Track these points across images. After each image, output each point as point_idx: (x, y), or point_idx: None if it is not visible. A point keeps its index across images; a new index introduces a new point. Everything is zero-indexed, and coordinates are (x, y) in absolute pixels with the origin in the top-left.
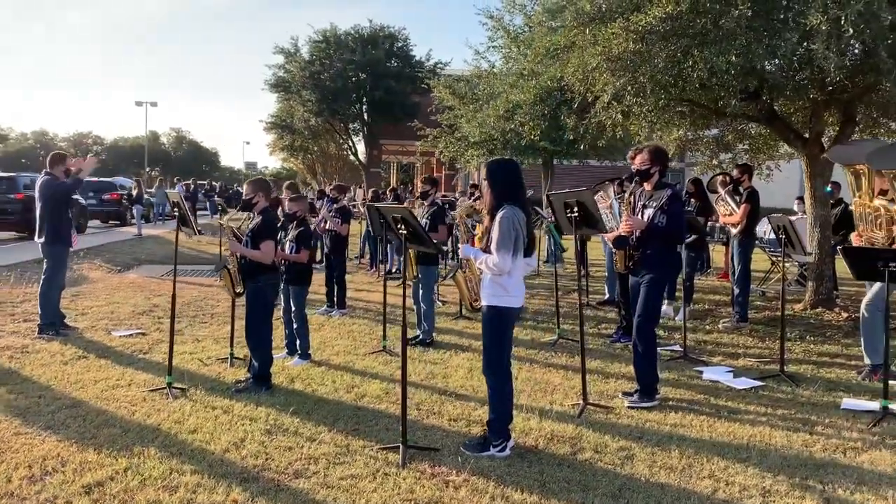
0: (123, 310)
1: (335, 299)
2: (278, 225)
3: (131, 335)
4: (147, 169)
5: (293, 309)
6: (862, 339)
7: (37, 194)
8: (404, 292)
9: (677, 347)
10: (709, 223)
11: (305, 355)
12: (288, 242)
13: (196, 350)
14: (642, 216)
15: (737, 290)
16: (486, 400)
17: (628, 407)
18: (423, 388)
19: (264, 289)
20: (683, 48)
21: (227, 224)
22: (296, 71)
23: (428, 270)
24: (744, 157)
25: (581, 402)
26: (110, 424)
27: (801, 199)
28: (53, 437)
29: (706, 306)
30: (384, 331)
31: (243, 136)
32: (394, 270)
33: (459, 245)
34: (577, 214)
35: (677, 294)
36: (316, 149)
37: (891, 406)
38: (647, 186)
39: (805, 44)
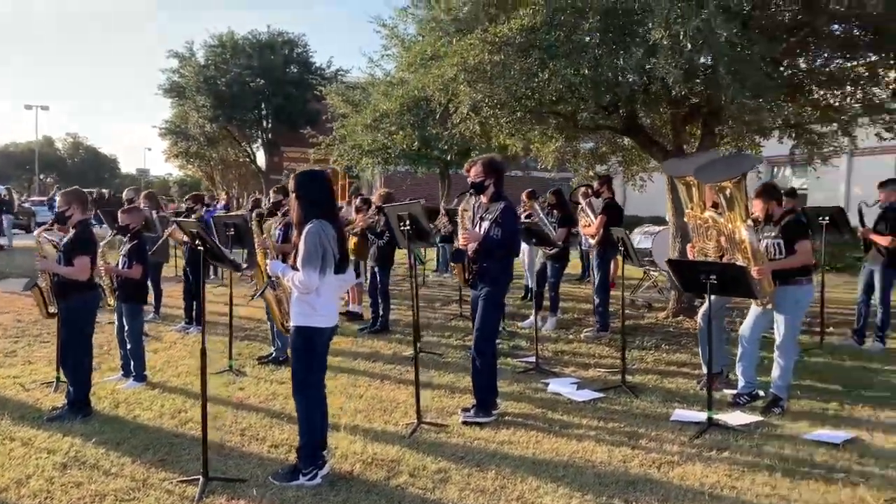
0: None
1: (193, 315)
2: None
3: None
4: (42, 176)
5: (126, 328)
6: (700, 349)
7: None
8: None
9: (533, 358)
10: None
11: (140, 377)
12: (120, 257)
13: (23, 373)
14: (479, 229)
15: (597, 300)
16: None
17: (462, 423)
18: (256, 411)
19: (80, 309)
20: (539, 61)
21: (38, 237)
22: (190, 76)
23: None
24: (618, 169)
25: (415, 420)
26: None
27: None
28: None
29: (575, 315)
30: (230, 349)
31: (146, 143)
32: None
33: (268, 261)
34: (409, 228)
35: (545, 304)
36: (215, 155)
37: (716, 416)
38: (483, 199)
39: (650, 58)
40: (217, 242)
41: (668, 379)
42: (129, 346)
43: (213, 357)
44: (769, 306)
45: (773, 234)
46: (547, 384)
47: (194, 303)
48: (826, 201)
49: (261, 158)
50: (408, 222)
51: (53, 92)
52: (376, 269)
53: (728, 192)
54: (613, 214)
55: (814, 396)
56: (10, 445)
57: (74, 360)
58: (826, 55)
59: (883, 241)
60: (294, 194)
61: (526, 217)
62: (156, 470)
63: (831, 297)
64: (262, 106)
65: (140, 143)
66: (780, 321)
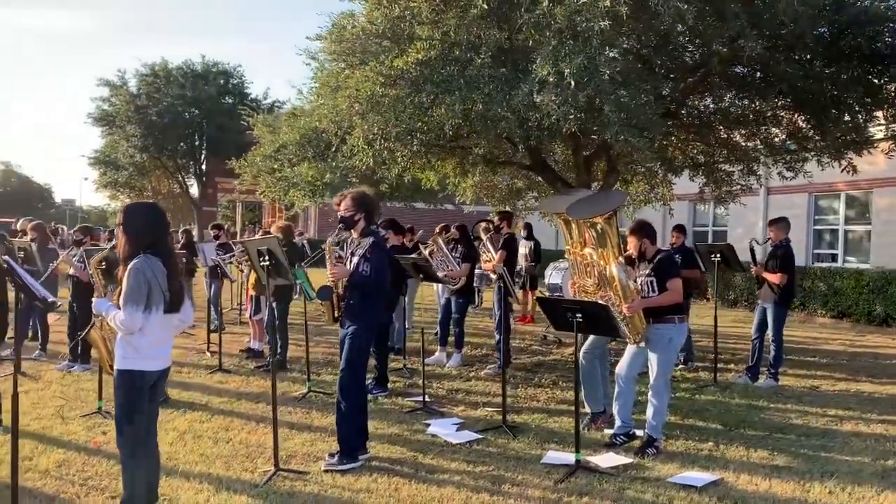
0: None
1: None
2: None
3: None
4: None
5: None
6: (583, 388)
7: None
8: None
9: (427, 398)
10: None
11: None
12: None
13: None
14: (349, 265)
15: (497, 336)
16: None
17: (324, 470)
18: (109, 458)
19: None
20: (433, 95)
21: None
22: (121, 104)
23: None
24: (534, 205)
25: (272, 468)
26: None
27: None
28: None
29: (483, 351)
30: (100, 389)
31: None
32: None
33: (94, 299)
34: (268, 263)
35: (450, 340)
36: (150, 186)
37: (588, 458)
38: (354, 234)
39: (536, 95)
40: (22, 278)
41: (555, 418)
42: None
43: (85, 397)
44: (642, 344)
45: (646, 271)
46: (428, 425)
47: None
48: (745, 235)
49: (195, 190)
50: (266, 257)
51: None
52: (273, 304)
53: (599, 227)
54: (513, 250)
55: (693, 436)
56: None
57: None
58: (729, 96)
59: (773, 278)
60: (120, 227)
61: (429, 253)
62: None
63: (725, 332)
64: (195, 136)
65: (77, 173)
66: (653, 360)
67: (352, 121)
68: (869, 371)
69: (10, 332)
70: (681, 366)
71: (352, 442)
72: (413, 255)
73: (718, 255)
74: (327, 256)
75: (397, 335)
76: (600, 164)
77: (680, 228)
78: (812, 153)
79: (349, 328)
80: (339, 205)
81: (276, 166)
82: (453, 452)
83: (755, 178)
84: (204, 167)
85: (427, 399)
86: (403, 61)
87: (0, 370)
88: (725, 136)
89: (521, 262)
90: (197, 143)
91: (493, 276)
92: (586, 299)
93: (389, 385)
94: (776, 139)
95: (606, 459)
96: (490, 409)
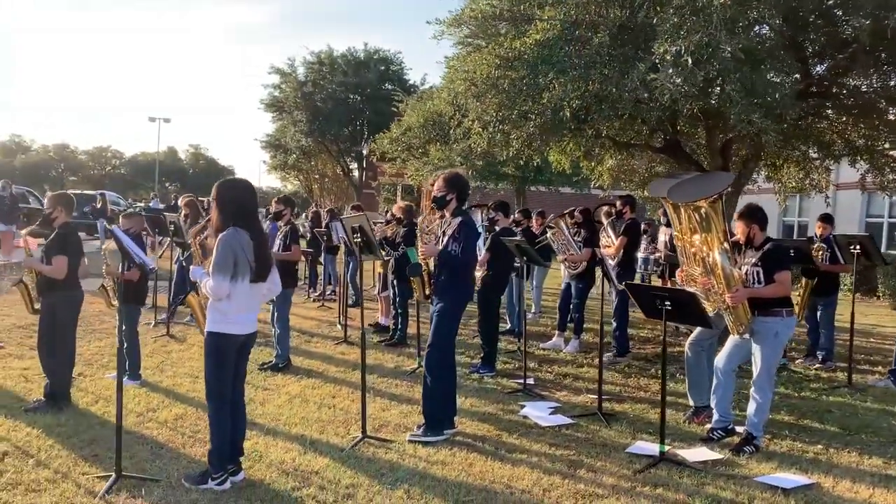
0: (5, 322)
1: None
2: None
3: None
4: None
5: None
6: (687, 380)
7: None
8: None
9: (531, 381)
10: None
11: (134, 376)
12: None
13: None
14: (440, 244)
15: (614, 324)
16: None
17: (408, 441)
18: None
19: (58, 305)
20: (548, 76)
21: (25, 236)
22: (289, 91)
23: (283, 293)
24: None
25: (360, 434)
26: None
27: None
28: None
29: (607, 339)
30: None
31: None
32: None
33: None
34: (359, 239)
35: (569, 325)
36: (317, 168)
37: (676, 451)
38: (447, 214)
39: (652, 74)
40: (123, 244)
41: (659, 409)
42: (124, 346)
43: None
44: (745, 336)
45: (752, 259)
46: (523, 406)
47: None
48: None
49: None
50: (358, 234)
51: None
52: (394, 282)
53: (703, 211)
54: (636, 235)
55: (803, 437)
56: None
57: (50, 355)
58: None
59: None
60: (213, 202)
61: (551, 236)
62: (83, 464)
63: (874, 330)
64: (357, 121)
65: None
66: (756, 354)
67: (468, 103)
68: None
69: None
70: (818, 364)
71: (436, 415)
72: (516, 238)
73: (858, 247)
74: (419, 235)
75: (516, 318)
76: (741, 148)
77: (826, 218)
78: None
79: (437, 305)
80: (433, 185)
81: (398, 149)
82: (539, 435)
83: None
84: (365, 151)
85: (532, 382)
86: (522, 42)
87: (153, 332)
88: (893, 117)
89: (661, 250)
90: (358, 127)
91: (612, 262)
92: (674, 287)
93: (499, 366)
94: None
95: (696, 454)
96: (593, 396)
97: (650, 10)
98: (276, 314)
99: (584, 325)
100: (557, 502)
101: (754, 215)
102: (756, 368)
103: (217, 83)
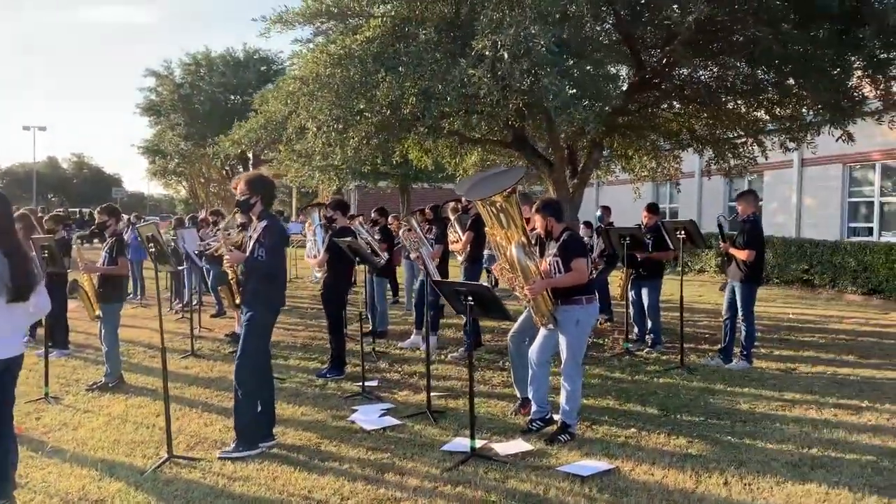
0: None
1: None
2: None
3: None
4: (50, 196)
5: None
6: (512, 373)
7: None
8: None
9: (374, 382)
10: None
11: None
12: None
13: None
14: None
15: (465, 319)
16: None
17: (219, 458)
18: (28, 443)
19: None
20: (378, 73)
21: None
22: (166, 94)
23: (110, 308)
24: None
25: (166, 455)
26: None
27: (587, 223)
28: None
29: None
30: (46, 376)
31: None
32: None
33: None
34: (153, 249)
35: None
36: (205, 171)
37: (492, 445)
38: (253, 217)
39: (471, 70)
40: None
41: (493, 401)
42: None
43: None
44: (550, 326)
45: (553, 251)
46: (355, 410)
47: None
48: (780, 210)
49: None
50: (152, 245)
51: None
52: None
53: (499, 206)
54: (481, 231)
55: (621, 422)
56: None
57: None
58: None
59: (740, 255)
60: None
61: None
62: None
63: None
64: (236, 123)
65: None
66: (562, 342)
67: (300, 102)
68: (863, 353)
69: None
70: (647, 348)
71: (249, 429)
72: (348, 238)
73: (683, 232)
74: (222, 242)
75: (380, 318)
76: (584, 140)
77: (651, 208)
78: (813, 119)
79: (247, 314)
80: (235, 187)
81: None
82: (361, 440)
83: (761, 150)
84: (251, 154)
85: (374, 384)
86: (353, 40)
87: None
88: (732, 106)
89: None
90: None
91: (460, 258)
92: (473, 282)
93: (348, 368)
94: (777, 108)
95: (509, 447)
96: (437, 393)
97: (474, 5)
98: (102, 331)
99: (446, 321)
100: None
101: (549, 208)
102: (563, 357)
103: (98, 88)
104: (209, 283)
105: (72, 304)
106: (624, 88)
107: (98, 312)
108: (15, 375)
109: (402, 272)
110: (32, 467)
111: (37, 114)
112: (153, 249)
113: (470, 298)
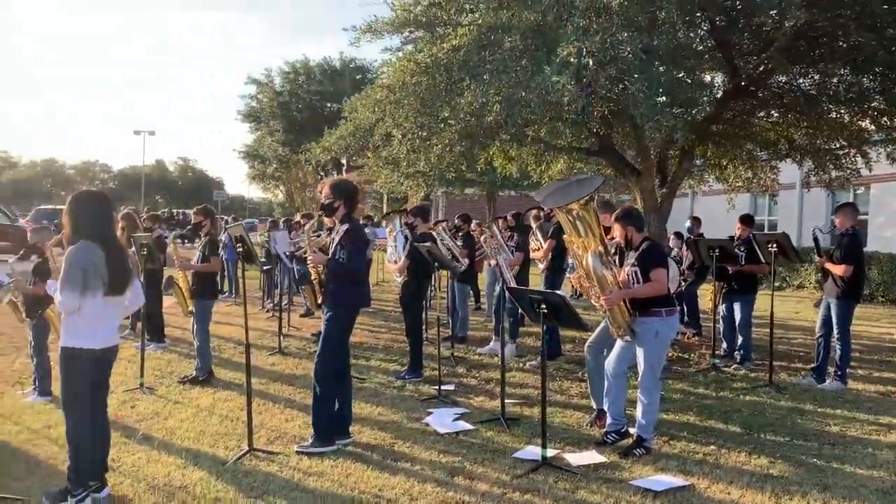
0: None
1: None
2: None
3: None
4: (157, 197)
5: (32, 343)
6: (588, 384)
7: None
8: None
9: (451, 387)
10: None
11: (44, 391)
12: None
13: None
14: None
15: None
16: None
17: (296, 452)
18: (122, 429)
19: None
20: (463, 81)
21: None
22: (266, 101)
23: (203, 305)
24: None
25: (247, 447)
26: None
27: (677, 234)
28: None
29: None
30: (142, 368)
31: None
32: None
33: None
34: (241, 249)
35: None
36: (301, 177)
37: (564, 455)
38: (335, 221)
39: (556, 77)
40: None
41: (569, 412)
42: (35, 361)
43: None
44: (627, 338)
45: (632, 261)
46: (430, 413)
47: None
48: (889, 224)
49: None
50: (239, 245)
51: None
52: None
53: (576, 214)
54: (563, 239)
55: (700, 438)
56: None
57: None
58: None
59: (837, 269)
60: (66, 216)
61: (483, 241)
62: None
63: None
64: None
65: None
66: (640, 355)
67: (386, 109)
68: None
69: None
70: (734, 365)
71: (325, 426)
72: (428, 244)
73: (775, 245)
74: (307, 243)
75: (460, 323)
76: (673, 148)
77: (746, 219)
78: None
79: (327, 314)
80: (321, 191)
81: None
82: (434, 442)
83: (865, 161)
84: (344, 160)
85: (451, 388)
86: (439, 48)
87: None
88: (834, 115)
89: None
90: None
91: (541, 266)
92: (549, 290)
93: (427, 372)
94: (884, 118)
95: (581, 458)
96: (512, 401)
97: (561, 12)
98: (195, 327)
99: (526, 329)
100: None
101: (628, 217)
102: (640, 370)
103: (204, 94)
104: (298, 284)
105: (168, 300)
106: (718, 96)
107: (191, 308)
108: (110, 364)
109: (483, 278)
110: (125, 452)
111: (147, 118)
112: (240, 249)
113: (544, 307)
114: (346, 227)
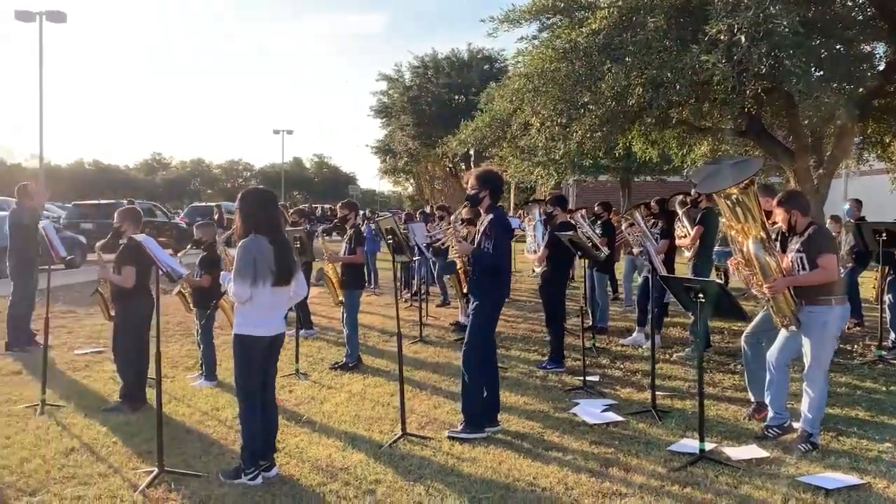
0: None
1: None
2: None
3: (87, 353)
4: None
5: (199, 330)
6: (746, 376)
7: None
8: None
9: (596, 378)
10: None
11: (210, 377)
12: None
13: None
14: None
15: (692, 318)
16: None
17: (448, 437)
18: (282, 413)
19: (130, 313)
20: (605, 65)
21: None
22: (396, 96)
23: (351, 295)
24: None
25: (400, 431)
26: None
27: (834, 218)
28: None
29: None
30: (297, 354)
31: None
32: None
33: None
34: (391, 241)
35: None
36: (429, 169)
37: (722, 449)
38: (481, 211)
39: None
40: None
41: (723, 405)
42: (202, 348)
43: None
44: (792, 328)
45: (797, 247)
46: (577, 404)
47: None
48: None
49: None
50: (390, 237)
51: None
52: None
53: (734, 199)
54: (712, 225)
55: (872, 435)
56: (52, 430)
57: (123, 359)
58: None
59: None
60: (237, 212)
61: (626, 228)
62: (136, 460)
63: None
64: (463, 121)
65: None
66: (806, 346)
67: (525, 98)
68: None
69: None
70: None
71: (475, 413)
72: (569, 233)
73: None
74: (452, 233)
75: (600, 314)
76: (831, 126)
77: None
78: None
79: (474, 303)
80: (466, 182)
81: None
82: (584, 433)
83: None
84: (472, 151)
85: (595, 379)
86: (578, 33)
87: None
88: None
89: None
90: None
91: (687, 253)
92: (706, 279)
93: (568, 362)
94: None
95: (741, 452)
96: (662, 393)
97: None
98: (344, 315)
99: (670, 319)
100: (577, 500)
101: (792, 200)
102: (806, 361)
103: (334, 93)
104: (435, 275)
105: (313, 291)
106: (881, 68)
107: (341, 298)
108: (278, 351)
109: (620, 267)
110: (287, 434)
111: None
112: (391, 241)
113: (701, 296)
114: (490, 217)
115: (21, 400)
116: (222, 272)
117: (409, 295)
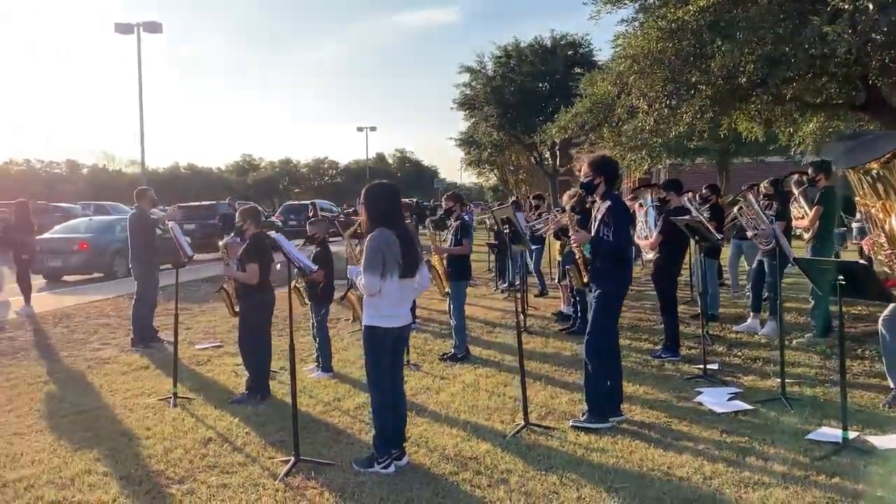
0: (224, 324)
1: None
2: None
3: (207, 348)
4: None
5: (314, 323)
6: (884, 361)
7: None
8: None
9: (715, 366)
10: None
11: (326, 368)
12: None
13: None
14: (592, 230)
15: (812, 302)
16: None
17: (571, 426)
18: None
19: (253, 307)
20: (714, 43)
21: (223, 246)
22: (479, 88)
23: (458, 286)
24: None
25: (523, 421)
26: (94, 429)
27: None
28: (48, 437)
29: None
30: (407, 346)
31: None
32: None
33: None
34: (508, 231)
35: (765, 305)
36: (513, 159)
37: (866, 437)
38: (597, 198)
39: (827, 27)
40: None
41: (858, 391)
42: (317, 340)
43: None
44: None
45: None
46: (700, 393)
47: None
48: None
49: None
50: (507, 226)
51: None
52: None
53: (875, 174)
54: (832, 205)
55: None
56: (188, 420)
57: (248, 352)
58: None
59: None
60: (362, 206)
61: (738, 211)
62: (271, 449)
63: None
64: (547, 109)
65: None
66: None
67: (631, 81)
68: None
69: None
70: None
71: (599, 402)
72: (686, 217)
73: None
74: (569, 222)
75: (711, 301)
76: None
77: None
78: None
79: (595, 292)
80: (579, 170)
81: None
82: (712, 422)
83: None
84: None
85: (715, 367)
86: (685, 11)
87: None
88: None
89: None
90: (549, 115)
91: (806, 235)
92: (848, 259)
93: (684, 351)
94: None
95: (888, 441)
96: (790, 379)
97: None
98: (451, 307)
99: (784, 304)
100: (718, 490)
101: None
102: None
103: (415, 88)
104: (532, 265)
105: None
106: None
107: (447, 290)
108: (406, 341)
109: (725, 252)
110: (411, 424)
111: (367, 115)
112: (508, 231)
113: (841, 277)
114: (608, 203)
115: (154, 393)
116: (350, 266)
117: (505, 285)
